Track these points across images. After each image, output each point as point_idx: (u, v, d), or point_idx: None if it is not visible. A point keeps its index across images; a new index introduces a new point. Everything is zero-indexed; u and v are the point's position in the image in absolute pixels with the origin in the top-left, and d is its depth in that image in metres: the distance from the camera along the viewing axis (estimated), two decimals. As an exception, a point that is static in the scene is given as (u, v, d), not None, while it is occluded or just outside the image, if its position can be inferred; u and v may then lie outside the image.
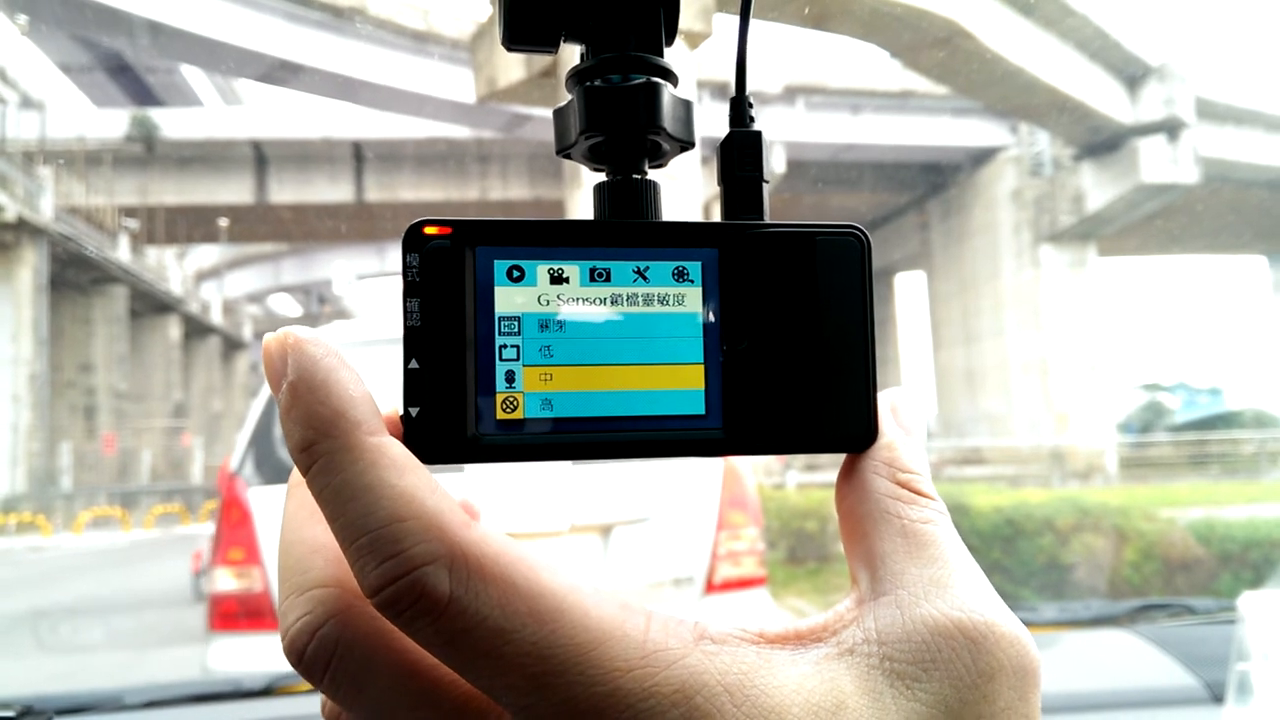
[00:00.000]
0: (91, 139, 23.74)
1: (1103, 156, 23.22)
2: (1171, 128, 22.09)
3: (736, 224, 0.43)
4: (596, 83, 0.43)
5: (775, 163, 20.91)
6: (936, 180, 28.37)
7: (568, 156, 0.46)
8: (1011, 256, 25.70)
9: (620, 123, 0.43)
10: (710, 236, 0.42)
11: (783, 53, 23.95)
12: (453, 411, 0.39)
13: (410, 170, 25.43)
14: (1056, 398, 23.89)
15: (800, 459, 19.96)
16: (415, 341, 0.39)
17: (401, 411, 0.39)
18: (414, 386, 0.39)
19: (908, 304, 32.60)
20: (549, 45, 0.45)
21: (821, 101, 24.57)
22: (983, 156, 26.69)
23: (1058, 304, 24.59)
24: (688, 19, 10.49)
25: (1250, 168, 24.11)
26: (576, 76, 0.44)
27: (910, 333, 31.97)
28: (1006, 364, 25.45)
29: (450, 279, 0.40)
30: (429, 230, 0.40)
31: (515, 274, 0.40)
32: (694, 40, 10.42)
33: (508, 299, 0.40)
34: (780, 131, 22.59)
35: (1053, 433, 23.16)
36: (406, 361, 0.39)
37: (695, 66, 13.23)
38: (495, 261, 0.40)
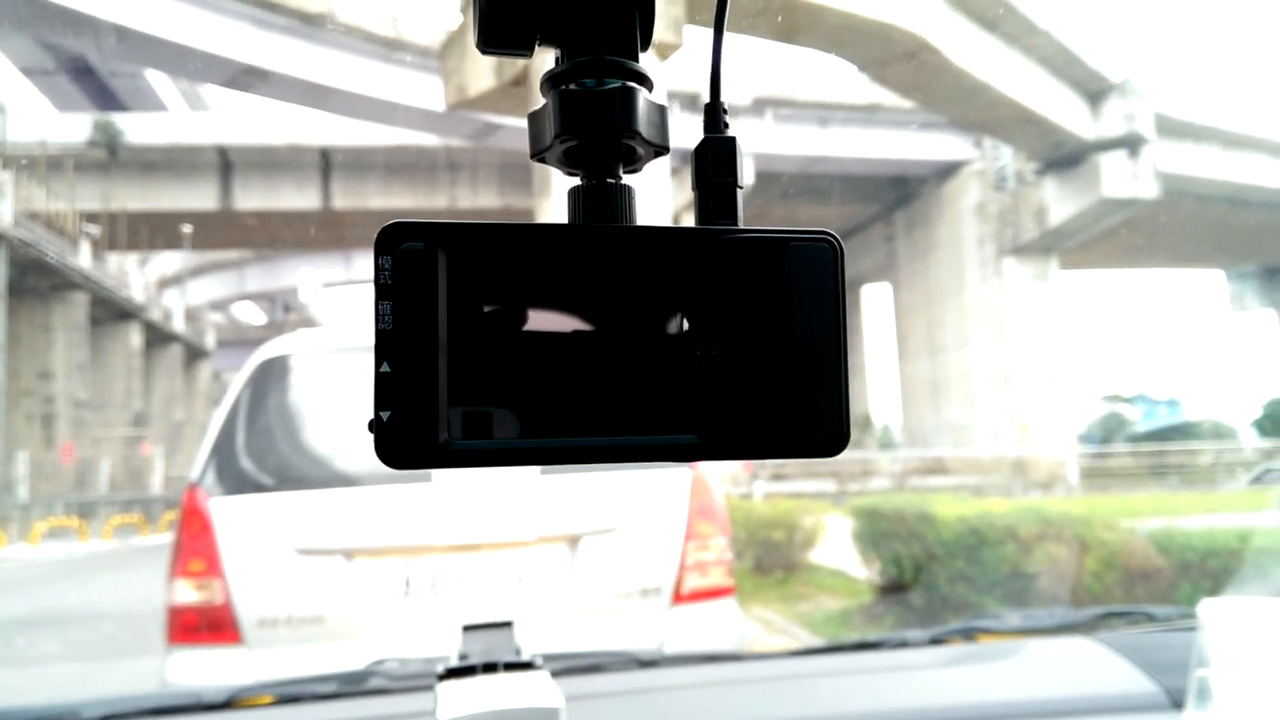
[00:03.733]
0: (53, 143, 23.35)
1: (1065, 171, 23.58)
2: (1132, 143, 22.48)
3: (711, 229, 0.43)
4: (571, 86, 0.43)
5: (745, 174, 21.01)
6: (902, 193, 28.67)
7: (542, 160, 0.45)
8: (975, 269, 26.01)
9: (595, 127, 0.43)
10: (684, 241, 0.42)
11: (752, 65, 24.12)
12: (424, 416, 0.39)
13: (379, 177, 25.27)
14: (1019, 409, 24.17)
15: (767, 469, 20.02)
16: (387, 345, 0.39)
17: (371, 416, 0.39)
18: (385, 391, 0.38)
19: (874, 315, 32.87)
20: (524, 49, 0.45)
21: (790, 114, 24.76)
22: (948, 170, 27.01)
23: (1020, 316, 24.90)
24: (658, 30, 10.51)
25: (1209, 183, 24.60)
26: (551, 80, 0.44)
27: (876, 344, 32.22)
28: (970, 375, 25.72)
29: (423, 282, 0.39)
30: (402, 233, 0.39)
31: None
32: (664, 51, 10.47)
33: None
34: (750, 143, 22.71)
35: (1015, 443, 23.42)
36: (378, 365, 0.39)
37: (666, 78, 13.30)
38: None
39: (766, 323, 0.41)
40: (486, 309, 0.40)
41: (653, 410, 0.41)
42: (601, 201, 0.44)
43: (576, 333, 0.41)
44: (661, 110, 0.45)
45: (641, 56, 0.45)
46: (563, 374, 0.40)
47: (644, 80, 0.44)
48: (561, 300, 0.41)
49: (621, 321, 0.41)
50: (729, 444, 0.41)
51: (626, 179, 0.45)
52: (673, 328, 0.42)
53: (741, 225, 0.44)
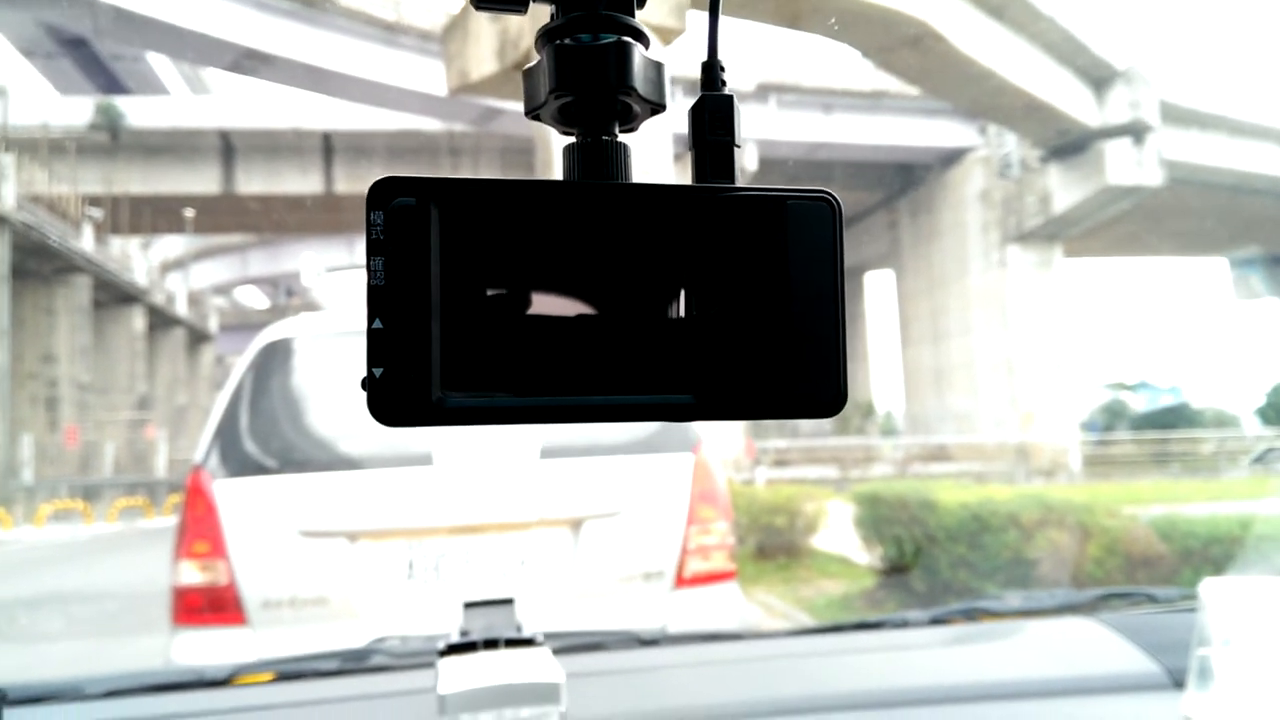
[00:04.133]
0: (55, 126, 23.31)
1: (1069, 158, 23.49)
2: (1137, 131, 22.39)
3: (708, 186, 0.42)
4: (566, 41, 0.43)
5: (747, 160, 20.98)
6: (906, 180, 28.58)
7: (536, 118, 0.45)
8: (979, 256, 25.95)
9: (591, 82, 0.42)
10: (681, 199, 0.42)
11: (757, 51, 24.02)
12: (418, 373, 0.38)
13: (381, 162, 25.22)
14: (1022, 396, 24.16)
15: (769, 454, 20.04)
16: (379, 301, 0.38)
17: (365, 373, 0.38)
18: (378, 347, 0.38)
19: (877, 302, 32.83)
20: (518, 5, 0.44)
21: (794, 100, 24.67)
22: (952, 157, 26.91)
23: (1024, 303, 24.86)
24: (661, 15, 10.48)
25: (1214, 171, 24.50)
26: (546, 35, 0.44)
27: (879, 330, 32.19)
28: (973, 362, 25.70)
29: (415, 238, 0.39)
30: (394, 188, 0.39)
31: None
32: (667, 36, 10.42)
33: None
34: (753, 129, 22.65)
35: (1018, 430, 23.42)
36: (370, 321, 0.38)
37: (669, 63, 13.20)
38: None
39: (763, 282, 0.41)
40: (480, 265, 0.40)
41: (649, 369, 0.40)
42: (597, 159, 0.43)
43: (571, 290, 0.40)
44: (659, 67, 0.44)
45: (640, 11, 0.45)
46: (558, 332, 0.40)
47: (640, 36, 0.43)
48: (556, 258, 0.40)
49: (617, 280, 0.40)
50: (725, 404, 0.41)
51: (623, 137, 0.44)
52: (669, 286, 0.41)
53: (739, 184, 0.43)
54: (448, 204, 0.39)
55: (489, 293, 0.39)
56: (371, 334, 0.38)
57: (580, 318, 0.40)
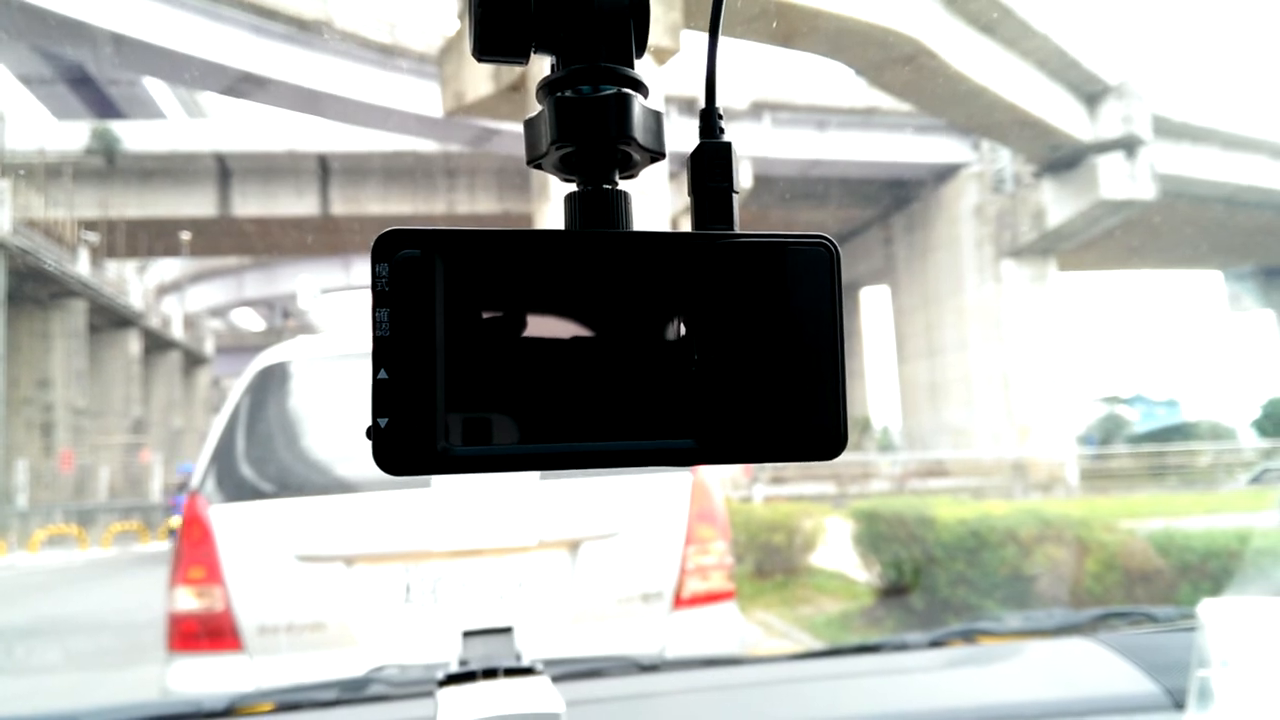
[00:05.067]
0: (51, 151, 23.35)
1: (1063, 173, 23.61)
2: (1130, 145, 22.51)
3: (707, 234, 0.43)
4: (567, 93, 0.44)
5: (742, 178, 21.04)
6: (901, 196, 28.68)
7: (539, 167, 0.45)
8: (974, 271, 26.02)
9: (591, 133, 0.43)
10: (680, 246, 0.42)
11: (750, 69, 24.15)
12: (422, 423, 0.39)
13: (377, 183, 25.27)
14: (1018, 411, 24.17)
15: (767, 472, 20.01)
16: (384, 352, 0.39)
17: (370, 423, 0.39)
18: (383, 397, 0.38)
19: (872, 318, 32.87)
20: (519, 56, 0.45)
21: (788, 118, 24.78)
22: (946, 173, 27.03)
23: (1019, 318, 24.91)
24: (656, 35, 10.54)
25: (1206, 184, 24.62)
26: (547, 87, 0.44)
27: (875, 346, 32.22)
28: (969, 377, 25.72)
29: (420, 289, 0.39)
30: (398, 240, 0.39)
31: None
32: (662, 56, 10.49)
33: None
34: (747, 147, 22.74)
35: (1015, 445, 23.41)
36: (375, 372, 0.39)
37: (663, 82, 13.31)
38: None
39: (763, 327, 0.41)
40: (484, 315, 0.40)
41: (650, 415, 0.41)
42: (598, 207, 0.44)
43: (574, 338, 0.41)
44: (657, 116, 0.45)
45: (638, 63, 0.45)
46: (560, 380, 0.41)
47: (639, 87, 0.44)
48: (559, 306, 0.41)
49: (619, 327, 0.41)
50: (727, 448, 0.41)
51: (623, 185, 0.45)
52: (670, 332, 0.42)
53: (737, 230, 0.44)
54: (452, 255, 0.40)
55: (493, 342, 0.40)
56: (377, 384, 0.39)
57: (583, 365, 0.41)
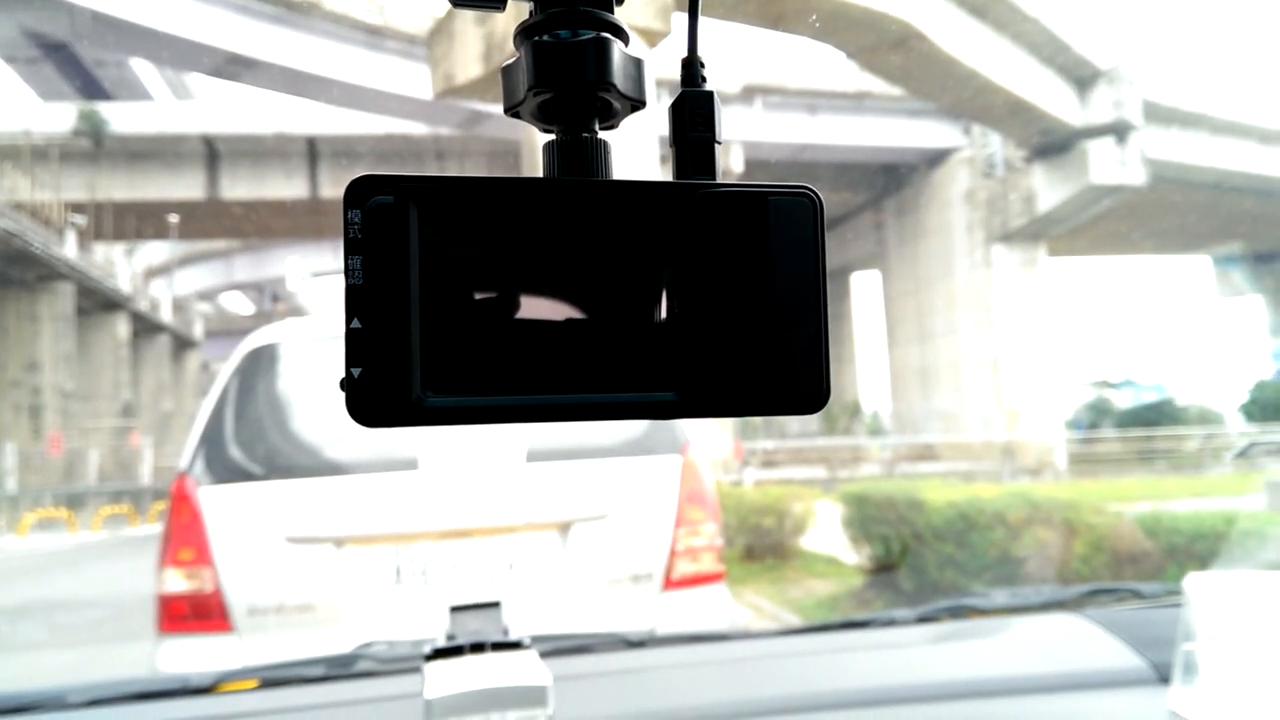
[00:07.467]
0: (37, 133, 23.17)
1: (1053, 158, 23.62)
2: (1120, 130, 22.53)
3: (688, 183, 0.42)
4: (545, 38, 0.43)
5: (734, 163, 21.02)
6: (892, 180, 28.68)
7: (516, 115, 0.45)
8: (964, 256, 26.05)
9: (569, 78, 0.42)
10: (661, 196, 0.41)
11: (741, 53, 24.06)
12: (397, 373, 0.38)
13: (367, 166, 25.10)
14: (1008, 395, 24.27)
15: (757, 455, 20.06)
16: (357, 300, 0.38)
17: (343, 373, 0.38)
18: (356, 347, 0.38)
19: (863, 302, 32.92)
20: (497, 3, 0.44)
21: (779, 102, 24.73)
22: (937, 158, 27.02)
23: (1009, 303, 24.98)
24: (645, 17, 10.49)
25: (1196, 169, 24.67)
26: (525, 32, 0.43)
27: (866, 331, 32.28)
28: (959, 362, 25.80)
29: (394, 237, 0.39)
30: (371, 186, 0.39)
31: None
32: (652, 39, 10.41)
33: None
34: (739, 131, 22.69)
35: (1004, 429, 23.51)
36: (348, 321, 0.38)
37: (654, 65, 13.22)
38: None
39: (745, 278, 0.41)
40: (460, 264, 0.39)
41: (631, 367, 0.40)
42: (577, 156, 0.43)
43: (552, 288, 0.40)
44: (638, 63, 0.44)
45: (619, 7, 0.45)
46: (538, 330, 0.40)
47: (619, 32, 0.43)
48: (536, 255, 0.40)
49: (598, 277, 0.40)
50: (708, 400, 0.41)
51: (603, 135, 0.44)
52: (650, 283, 0.41)
53: (720, 180, 0.43)
54: (426, 202, 0.39)
55: (469, 291, 0.39)
56: (350, 334, 0.38)
57: (561, 315, 0.40)
